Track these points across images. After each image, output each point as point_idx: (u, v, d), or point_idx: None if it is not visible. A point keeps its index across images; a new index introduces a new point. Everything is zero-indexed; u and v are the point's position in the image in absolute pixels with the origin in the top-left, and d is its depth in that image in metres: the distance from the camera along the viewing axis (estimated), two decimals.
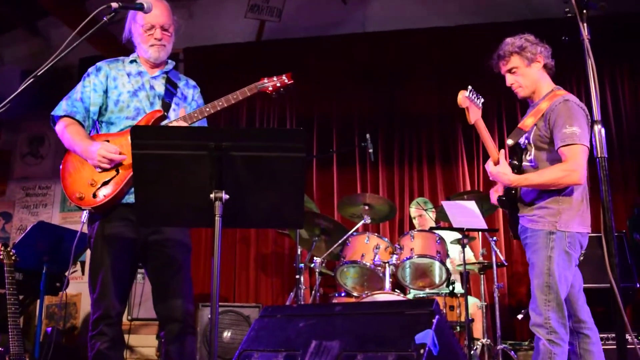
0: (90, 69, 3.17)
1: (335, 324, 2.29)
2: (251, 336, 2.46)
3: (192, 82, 3.35)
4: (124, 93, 3.10)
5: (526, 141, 3.31)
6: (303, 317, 2.35)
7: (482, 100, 3.38)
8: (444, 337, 2.01)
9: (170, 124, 2.96)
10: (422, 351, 1.88)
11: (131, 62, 3.21)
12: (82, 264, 6.93)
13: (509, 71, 3.38)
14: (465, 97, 3.31)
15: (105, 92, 3.11)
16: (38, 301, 4.87)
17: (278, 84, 3.12)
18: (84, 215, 2.98)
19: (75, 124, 3.06)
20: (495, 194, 3.49)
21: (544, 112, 3.20)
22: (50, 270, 4.70)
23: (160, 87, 3.18)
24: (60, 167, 3.03)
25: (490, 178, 3.32)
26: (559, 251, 3.07)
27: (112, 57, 3.34)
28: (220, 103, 3.02)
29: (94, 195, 2.90)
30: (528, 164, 3.29)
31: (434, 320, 1.99)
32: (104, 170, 2.91)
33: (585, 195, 3.21)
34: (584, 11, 2.16)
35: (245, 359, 2.35)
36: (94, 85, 3.10)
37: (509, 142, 3.34)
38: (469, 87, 3.33)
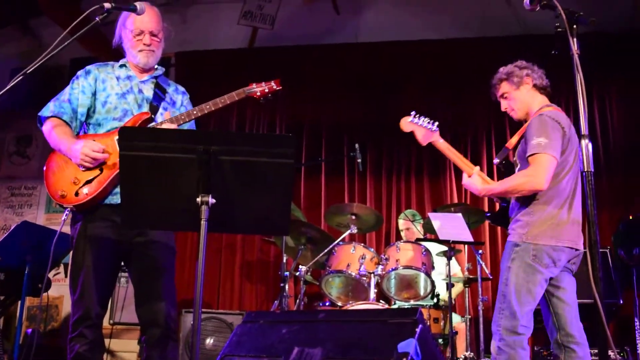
0: (79, 72, 3.18)
1: (318, 330, 2.27)
2: (233, 341, 2.45)
3: (181, 88, 3.36)
4: (112, 95, 3.10)
5: (515, 158, 3.40)
6: (286, 323, 2.34)
7: (436, 123, 3.60)
8: (427, 346, 2.01)
9: (158, 126, 2.96)
10: None
11: (121, 66, 3.22)
12: (66, 266, 6.87)
13: (502, 97, 3.52)
14: (407, 123, 3.64)
15: (94, 94, 3.11)
16: (19, 302, 4.82)
17: (266, 90, 3.14)
18: (65, 214, 2.94)
19: (63, 125, 3.05)
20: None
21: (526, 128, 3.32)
22: (33, 271, 4.65)
23: (148, 91, 3.18)
24: (45, 167, 3.01)
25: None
26: (520, 262, 3.10)
27: (104, 59, 3.35)
28: (208, 106, 3.04)
29: (77, 194, 2.88)
30: None
31: (417, 330, 1.99)
32: (88, 169, 2.90)
33: (567, 209, 3.19)
34: (574, 26, 2.19)
35: None
36: (82, 87, 3.11)
37: (495, 160, 3.47)
38: (413, 112, 3.60)
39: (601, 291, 1.87)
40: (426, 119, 3.63)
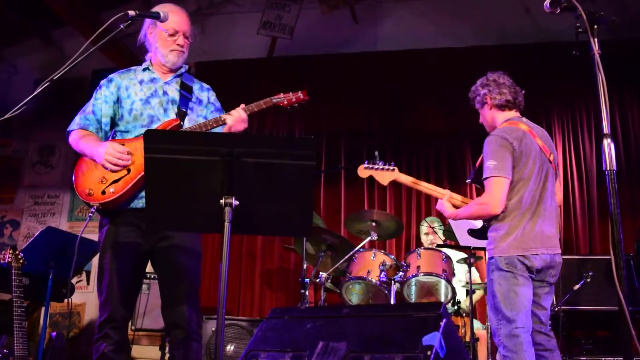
0: (102, 81, 3.22)
1: (342, 325, 2.29)
2: (258, 337, 2.47)
3: (206, 85, 3.39)
4: (136, 101, 3.13)
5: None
6: (311, 318, 2.36)
7: (391, 163, 3.92)
8: (451, 341, 2.01)
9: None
10: (429, 353, 1.89)
11: (144, 70, 3.25)
12: (88, 273, 6.94)
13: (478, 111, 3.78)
14: (363, 170, 3.98)
15: (117, 102, 3.15)
16: (42, 308, 4.87)
17: (293, 99, 3.21)
18: (91, 211, 2.99)
19: (90, 134, 3.11)
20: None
21: None
22: (57, 276, 4.70)
23: (174, 92, 3.21)
24: (73, 171, 3.06)
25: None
26: (498, 273, 3.25)
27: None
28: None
29: (103, 192, 2.93)
30: None
31: (442, 324, 2.00)
32: (114, 170, 2.95)
33: (530, 219, 3.30)
34: (595, 26, 2.20)
35: (252, 358, 2.35)
36: (105, 97, 3.15)
37: (467, 180, 3.58)
38: (366, 160, 3.97)
39: (625, 289, 1.86)
40: (381, 162, 3.93)
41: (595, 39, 2.18)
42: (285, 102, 3.19)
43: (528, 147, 3.36)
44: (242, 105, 3.10)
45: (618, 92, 6.38)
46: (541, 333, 3.32)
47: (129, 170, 2.96)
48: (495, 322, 3.23)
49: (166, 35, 3.16)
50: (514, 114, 3.59)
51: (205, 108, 3.26)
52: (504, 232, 3.28)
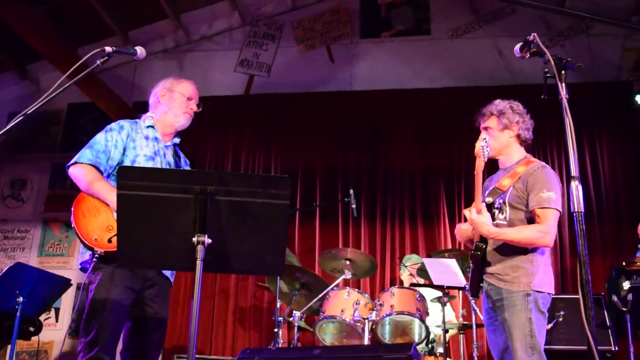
0: (112, 125, 3.29)
1: None
2: None
3: (187, 160, 3.60)
4: (140, 155, 3.24)
5: (501, 201, 3.38)
6: None
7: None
8: None
9: None
10: None
11: (147, 127, 3.37)
12: (57, 310, 6.80)
13: (485, 129, 3.53)
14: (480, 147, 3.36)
15: (124, 150, 3.24)
16: (9, 346, 4.74)
17: None
18: (96, 256, 2.97)
19: (101, 178, 3.13)
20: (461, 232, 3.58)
21: (520, 175, 3.33)
22: (25, 313, 4.59)
23: (170, 157, 3.40)
24: (73, 207, 3.06)
25: (470, 225, 3.36)
26: (536, 312, 3.14)
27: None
28: None
29: (109, 241, 2.96)
30: (503, 222, 3.34)
31: None
32: None
33: (551, 259, 3.39)
34: (563, 72, 2.27)
35: None
36: (116, 142, 3.23)
37: (488, 199, 3.41)
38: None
39: (594, 329, 1.88)
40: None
41: (563, 84, 2.24)
42: None
43: None
44: None
45: (588, 133, 6.54)
46: None
47: None
48: None
49: (184, 99, 3.39)
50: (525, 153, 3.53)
51: None
52: (540, 267, 3.21)
